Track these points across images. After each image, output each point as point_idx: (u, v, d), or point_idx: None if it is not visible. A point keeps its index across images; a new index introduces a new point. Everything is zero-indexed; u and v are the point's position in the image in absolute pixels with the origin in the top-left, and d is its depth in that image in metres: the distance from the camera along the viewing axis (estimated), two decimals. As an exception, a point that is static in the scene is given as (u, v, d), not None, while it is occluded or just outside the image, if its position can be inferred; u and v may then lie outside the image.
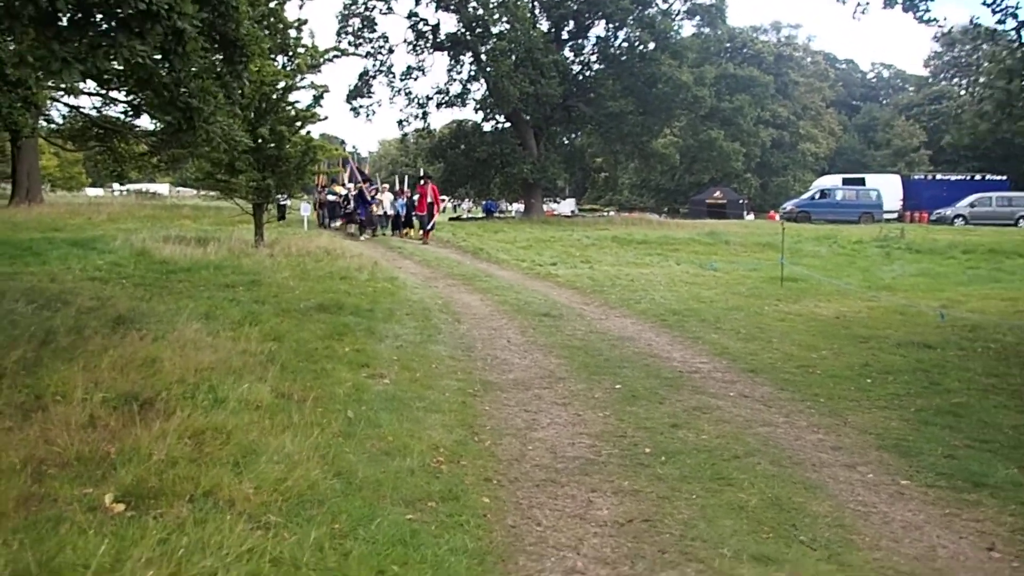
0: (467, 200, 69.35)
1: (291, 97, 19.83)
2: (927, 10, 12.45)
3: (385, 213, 31.63)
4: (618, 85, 42.66)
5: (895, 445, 6.67)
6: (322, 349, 9.04)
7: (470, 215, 56.34)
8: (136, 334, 8.36)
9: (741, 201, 61.66)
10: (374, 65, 46.40)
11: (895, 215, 46.19)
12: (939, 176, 57.58)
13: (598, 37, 46.50)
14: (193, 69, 8.06)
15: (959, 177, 55.09)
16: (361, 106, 47.23)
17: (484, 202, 59.36)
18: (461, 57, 46.73)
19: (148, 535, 4.03)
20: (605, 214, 60.92)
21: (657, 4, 43.52)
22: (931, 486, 5.78)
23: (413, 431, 6.45)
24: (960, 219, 41.87)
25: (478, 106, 48.83)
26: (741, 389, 8.54)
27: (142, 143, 19.92)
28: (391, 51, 46.53)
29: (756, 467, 6.03)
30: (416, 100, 48.10)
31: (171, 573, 3.73)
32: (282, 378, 7.40)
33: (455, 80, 48.12)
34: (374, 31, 45.47)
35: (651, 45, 42.60)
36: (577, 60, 47.48)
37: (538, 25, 43.39)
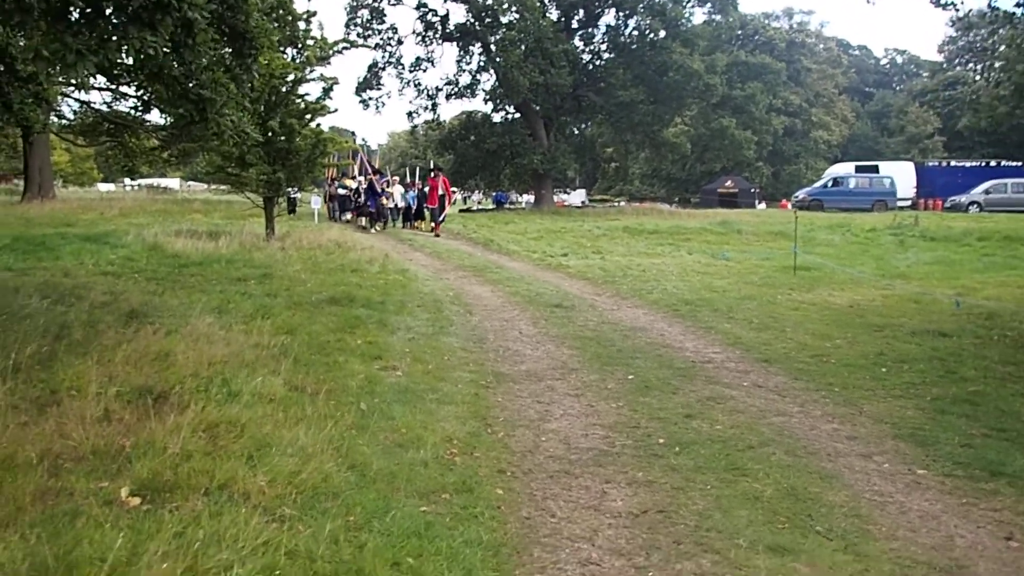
0: (477, 191, 69.31)
1: (301, 90, 19.78)
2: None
3: (396, 205, 31.60)
4: (628, 74, 42.49)
5: (911, 434, 6.63)
6: (334, 342, 9.04)
7: (480, 207, 56.33)
8: (149, 328, 8.38)
9: (753, 190, 61.49)
10: (383, 57, 46.34)
11: (909, 202, 45.84)
12: (953, 163, 57.18)
13: (608, 26, 46.30)
14: (203, 61, 8.05)
15: (974, 164, 54.71)
16: (370, 98, 47.18)
17: (494, 193, 59.33)
18: (470, 48, 46.59)
19: (164, 528, 4.04)
20: (616, 204, 60.82)
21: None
22: (948, 475, 5.74)
23: (426, 423, 6.45)
24: (975, 206, 41.53)
25: (488, 97, 48.72)
26: (755, 379, 8.51)
27: (153, 138, 19.95)
28: (400, 42, 46.44)
29: (771, 457, 6.00)
30: (425, 91, 48.03)
31: (187, 567, 3.73)
32: (295, 371, 7.40)
33: (464, 71, 48.04)
34: (383, 22, 45.40)
35: (662, 33, 42.38)
36: (587, 49, 47.29)
37: (547, 14, 43.13)
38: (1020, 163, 51.88)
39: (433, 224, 28.83)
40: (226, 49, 8.99)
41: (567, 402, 7.57)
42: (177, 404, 5.95)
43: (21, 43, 9.52)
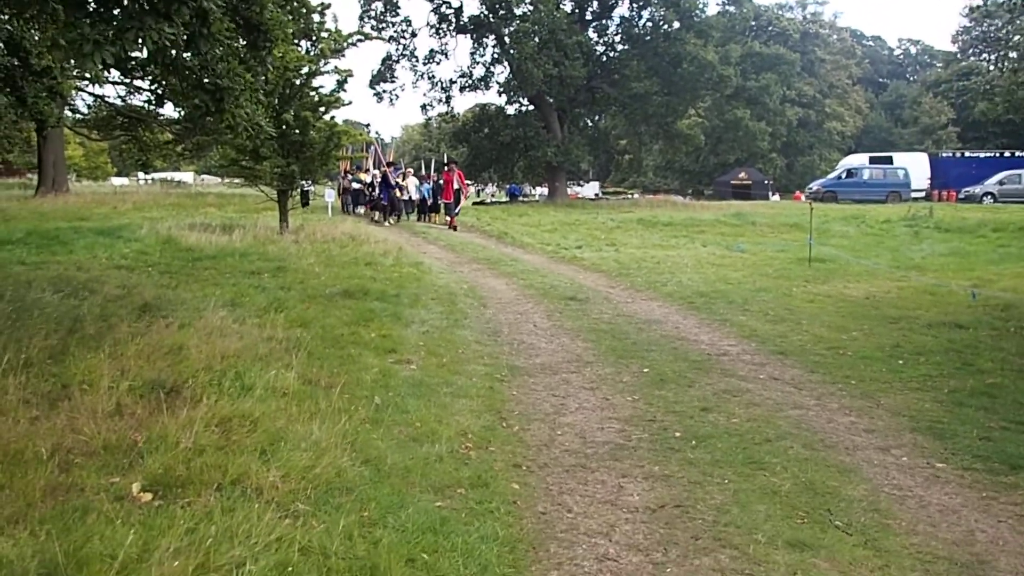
0: (491, 184, 69.24)
1: (315, 82, 19.82)
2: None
3: (410, 198, 31.55)
4: (642, 65, 42.40)
5: (929, 427, 6.57)
6: (348, 335, 9.01)
7: (494, 199, 56.26)
8: (162, 322, 8.38)
9: (766, 182, 61.27)
10: (397, 49, 46.42)
11: (923, 194, 45.54)
12: (967, 153, 56.77)
13: (622, 17, 46.28)
14: (218, 52, 8.03)
15: (988, 154, 54.28)
16: (384, 91, 47.30)
17: (508, 186, 59.26)
18: (484, 40, 46.61)
19: (176, 524, 4.01)
20: (629, 196, 60.68)
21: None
22: (967, 469, 5.68)
23: (441, 417, 6.41)
24: (989, 197, 41.26)
25: (501, 89, 48.70)
26: (771, 372, 8.44)
27: (167, 131, 19.98)
28: (414, 35, 46.53)
29: (788, 451, 5.95)
30: (439, 84, 48.15)
31: (199, 563, 3.70)
32: (308, 365, 7.38)
33: (478, 63, 48.12)
34: (397, 15, 45.45)
35: (676, 24, 42.29)
36: (601, 41, 47.27)
37: (561, 6, 43.05)
38: (1034, 154, 51.54)
39: (448, 218, 28.69)
40: (241, 41, 8.96)
41: (582, 395, 7.52)
42: (190, 398, 5.93)
43: (35, 37, 9.54)
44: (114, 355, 6.83)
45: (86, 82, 19.51)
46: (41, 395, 5.87)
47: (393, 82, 47.19)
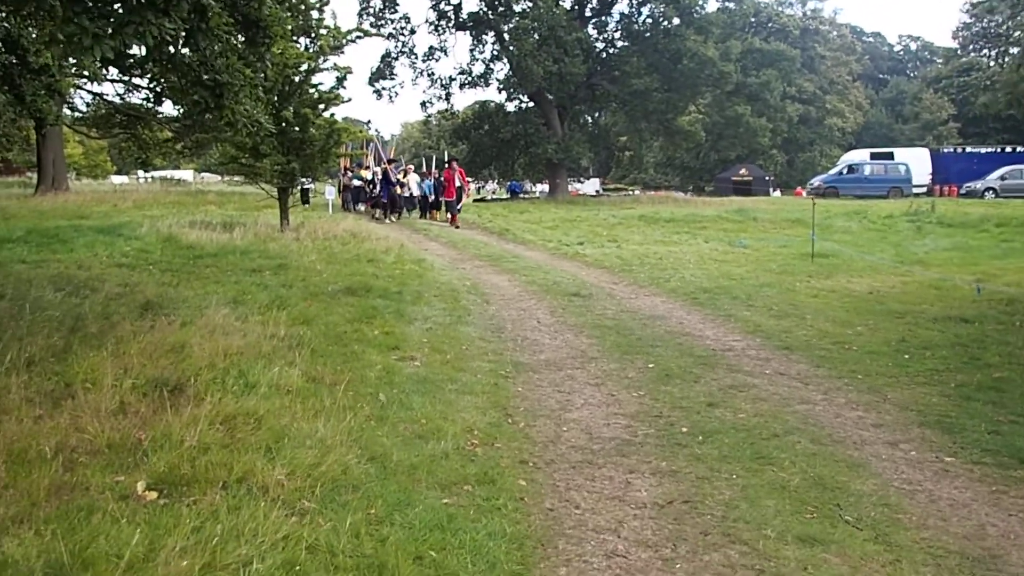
0: (492, 181, 69.22)
1: (314, 79, 19.78)
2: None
3: (412, 195, 31.49)
4: (642, 62, 42.34)
5: (937, 421, 6.53)
6: (351, 332, 8.98)
7: (495, 196, 56.23)
8: (164, 320, 8.34)
9: (767, 178, 61.27)
10: (396, 46, 46.39)
11: (924, 189, 45.50)
12: (968, 149, 56.71)
13: (622, 13, 46.27)
14: (217, 47, 7.99)
15: (989, 149, 54.21)
16: (384, 88, 47.29)
17: (509, 183, 59.25)
18: (484, 36, 46.59)
19: (181, 523, 3.98)
20: (630, 193, 60.70)
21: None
22: (976, 463, 5.64)
23: (446, 414, 6.38)
24: (991, 192, 41.20)
25: (501, 86, 48.73)
26: (776, 367, 8.40)
27: (166, 129, 19.97)
28: (413, 32, 46.54)
29: (796, 446, 5.91)
30: (439, 81, 48.14)
31: (205, 562, 3.67)
32: (312, 362, 7.35)
33: (478, 60, 48.10)
34: (395, 11, 45.43)
35: (675, 20, 42.22)
36: (601, 37, 47.21)
37: (561, 2, 42.96)
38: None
39: (449, 215, 28.58)
40: (240, 37, 8.92)
41: (588, 391, 7.49)
42: (193, 396, 5.91)
43: (33, 34, 9.50)
44: (117, 353, 6.80)
45: (84, 80, 19.52)
46: (44, 394, 5.84)
47: (392, 79, 47.23)
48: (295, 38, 18.02)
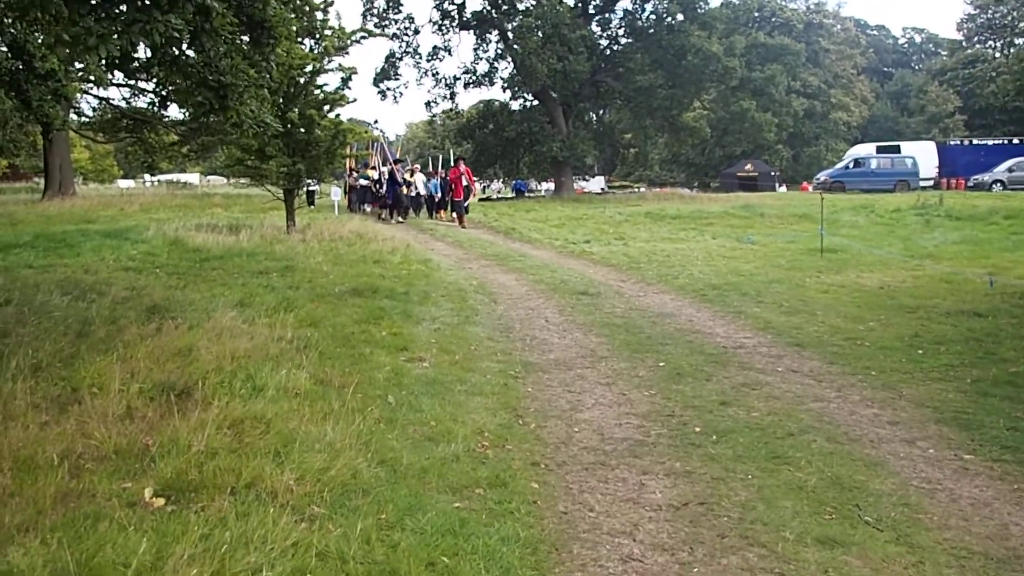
0: (497, 180, 69.13)
1: (319, 80, 19.76)
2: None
3: (418, 194, 31.42)
4: (647, 58, 42.18)
5: (954, 418, 6.44)
6: (359, 333, 8.93)
7: (500, 195, 56.16)
8: (171, 323, 8.29)
9: (773, 173, 60.98)
10: (400, 46, 46.19)
11: (931, 182, 45.36)
12: (975, 141, 56.42)
13: (625, 10, 46.02)
14: (222, 48, 7.95)
15: (996, 141, 53.91)
16: (388, 88, 47.05)
17: (514, 182, 59.16)
18: (487, 35, 46.43)
19: (190, 530, 3.92)
20: (636, 190, 60.49)
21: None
22: (996, 460, 5.55)
23: (456, 415, 6.32)
24: (998, 184, 41.03)
25: (505, 85, 48.47)
26: (789, 364, 8.32)
27: (172, 132, 19.95)
28: (417, 32, 46.27)
29: (812, 445, 5.83)
30: (443, 81, 47.90)
31: (214, 570, 3.61)
32: (320, 364, 7.30)
33: (482, 59, 47.86)
34: (399, 12, 45.20)
35: (679, 16, 42.02)
36: (605, 34, 46.97)
37: (564, 0, 42.88)
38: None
39: (455, 215, 28.43)
40: (244, 38, 8.88)
41: (598, 391, 7.41)
42: (201, 400, 5.85)
43: (39, 39, 9.46)
44: (124, 358, 6.75)
45: (90, 84, 19.48)
46: (50, 399, 5.79)
47: (397, 79, 46.98)
48: (300, 39, 17.99)
